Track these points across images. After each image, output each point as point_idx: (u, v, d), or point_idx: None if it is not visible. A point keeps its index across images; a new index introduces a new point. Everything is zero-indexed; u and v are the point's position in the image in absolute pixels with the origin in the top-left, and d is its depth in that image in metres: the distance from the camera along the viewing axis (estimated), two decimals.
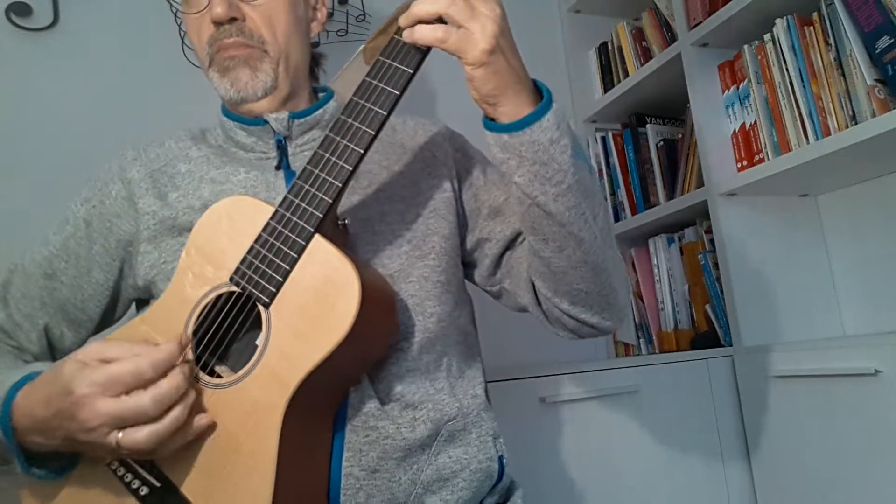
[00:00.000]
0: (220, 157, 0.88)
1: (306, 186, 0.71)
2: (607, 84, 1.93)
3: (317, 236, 0.69)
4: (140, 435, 0.64)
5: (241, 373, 0.69)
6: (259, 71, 0.84)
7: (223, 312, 0.72)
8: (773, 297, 1.48)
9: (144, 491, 0.69)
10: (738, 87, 1.52)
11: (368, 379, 0.77)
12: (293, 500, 0.67)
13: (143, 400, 0.64)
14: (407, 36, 0.69)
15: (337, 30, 1.68)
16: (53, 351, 0.89)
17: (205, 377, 0.70)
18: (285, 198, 0.71)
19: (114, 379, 0.64)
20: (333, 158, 0.71)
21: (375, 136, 0.71)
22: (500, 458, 0.84)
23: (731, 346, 1.48)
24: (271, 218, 0.71)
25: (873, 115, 1.22)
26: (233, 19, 0.83)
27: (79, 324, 0.88)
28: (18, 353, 0.86)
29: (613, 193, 1.91)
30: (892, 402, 1.15)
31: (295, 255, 0.69)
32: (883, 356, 1.16)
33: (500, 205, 0.90)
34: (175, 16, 1.52)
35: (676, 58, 1.61)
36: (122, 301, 0.91)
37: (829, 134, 1.31)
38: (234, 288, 0.71)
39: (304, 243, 0.69)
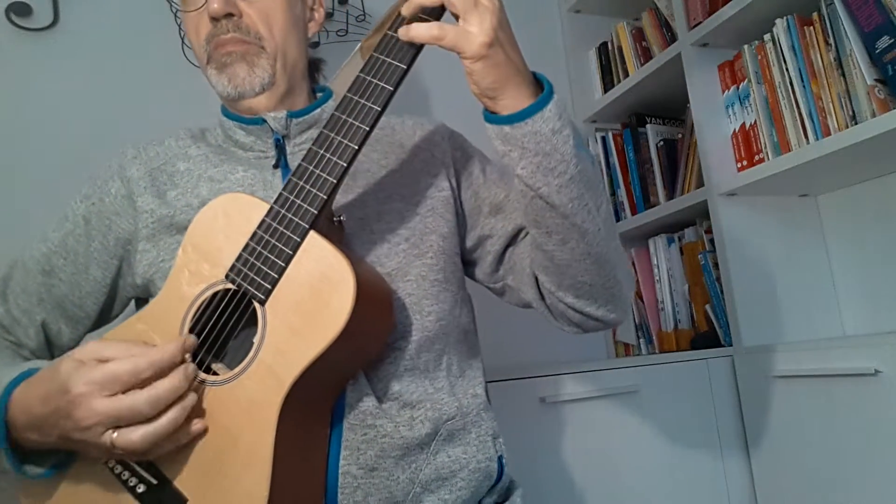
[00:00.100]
0: (219, 156, 0.88)
1: (301, 183, 0.71)
2: (607, 84, 1.93)
3: (312, 233, 0.69)
4: (134, 435, 0.64)
5: (237, 370, 0.69)
6: (256, 67, 0.84)
7: (219, 310, 0.72)
8: (773, 297, 1.48)
9: (142, 489, 0.68)
10: (738, 87, 1.52)
11: (366, 377, 0.76)
12: (290, 496, 0.67)
13: (138, 400, 0.63)
14: (403, 34, 0.69)
15: (337, 30, 1.68)
16: (51, 347, 0.89)
17: (201, 374, 0.69)
18: (280, 194, 0.71)
19: (110, 378, 0.64)
20: (328, 154, 0.71)
21: (370, 132, 0.71)
22: (500, 457, 0.84)
23: (731, 346, 1.48)
24: (267, 215, 0.71)
25: (873, 115, 1.22)
26: (229, 15, 0.83)
27: (76, 320, 0.88)
28: (16, 349, 0.87)
29: (613, 193, 1.91)
30: (892, 402, 1.15)
31: (290, 252, 0.69)
32: (883, 356, 1.16)
33: (500, 202, 0.90)
34: (175, 16, 1.52)
35: (676, 58, 1.60)
36: (119, 299, 0.91)
37: (829, 134, 1.30)
38: (230, 285, 0.71)
39: (299, 240, 0.69)
